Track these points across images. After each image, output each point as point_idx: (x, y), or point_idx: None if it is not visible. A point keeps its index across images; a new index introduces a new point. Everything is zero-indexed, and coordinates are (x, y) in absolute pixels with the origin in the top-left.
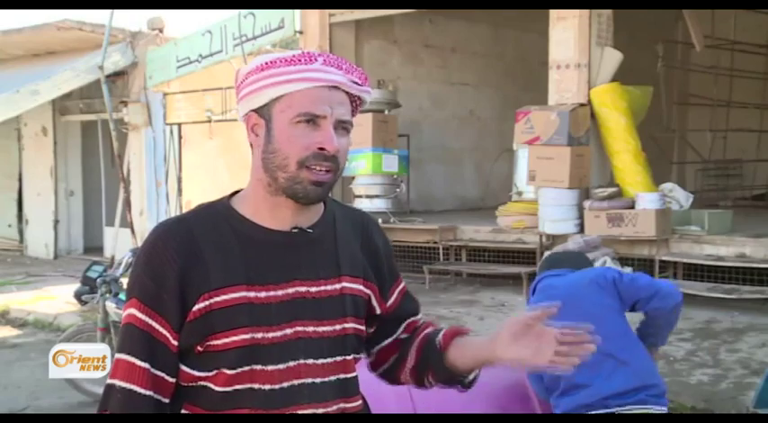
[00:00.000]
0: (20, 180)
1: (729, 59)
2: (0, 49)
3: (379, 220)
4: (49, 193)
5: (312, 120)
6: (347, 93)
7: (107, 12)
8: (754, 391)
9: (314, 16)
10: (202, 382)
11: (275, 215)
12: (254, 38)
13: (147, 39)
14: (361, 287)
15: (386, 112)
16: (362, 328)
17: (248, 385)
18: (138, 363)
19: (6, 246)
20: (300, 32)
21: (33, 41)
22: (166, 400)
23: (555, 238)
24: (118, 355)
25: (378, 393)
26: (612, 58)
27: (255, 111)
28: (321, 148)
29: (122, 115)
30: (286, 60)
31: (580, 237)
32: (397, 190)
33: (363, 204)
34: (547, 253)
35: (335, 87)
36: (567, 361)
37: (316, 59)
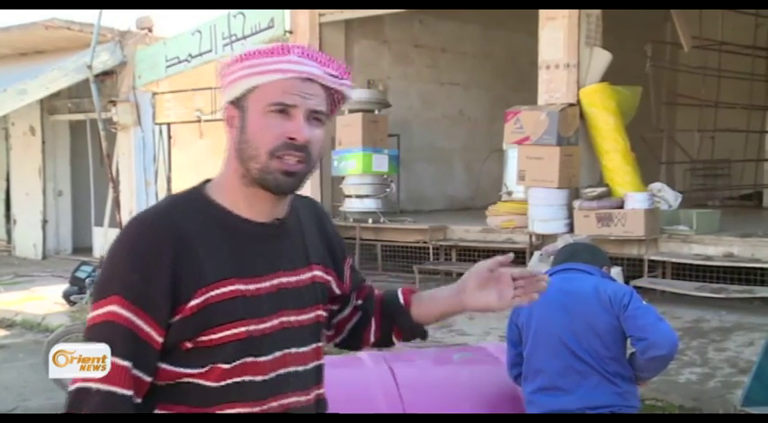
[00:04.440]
0: (7, 180)
1: (717, 60)
2: None
3: (369, 220)
4: (38, 193)
5: (283, 109)
6: (324, 86)
7: (96, 11)
8: (741, 390)
9: (304, 16)
10: (189, 379)
11: (253, 206)
12: (244, 37)
13: (136, 38)
14: (323, 273)
15: (376, 111)
16: (326, 314)
17: (241, 378)
18: (120, 362)
19: None
20: (290, 32)
21: (21, 40)
22: (140, 401)
23: (544, 238)
24: None
25: (368, 394)
26: (601, 59)
27: (232, 102)
28: (291, 138)
29: (111, 115)
30: (262, 52)
31: (570, 236)
32: (387, 190)
33: (353, 204)
34: (566, 241)
35: (310, 79)
36: (527, 297)
37: (291, 51)
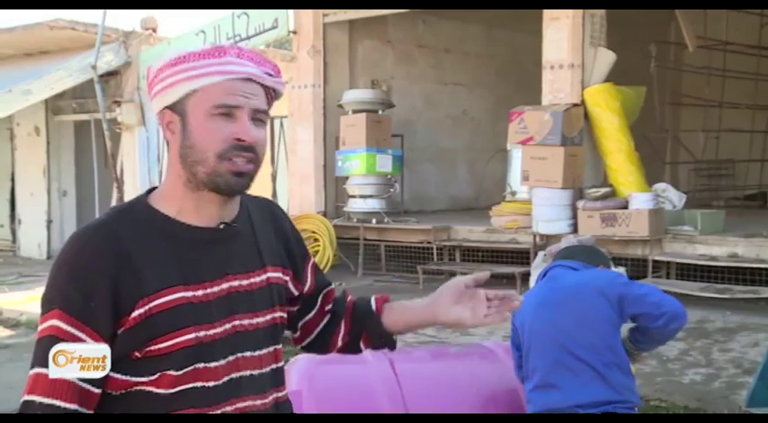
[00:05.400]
0: (12, 180)
1: (721, 60)
2: None
3: (373, 220)
4: (42, 193)
5: (228, 112)
6: (262, 85)
7: (100, 11)
8: (746, 391)
9: (307, 16)
10: (140, 387)
11: (200, 211)
12: (248, 38)
13: (140, 38)
14: (281, 275)
15: (379, 112)
16: (286, 315)
17: (192, 384)
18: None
19: None
20: (294, 32)
21: (26, 41)
22: (91, 413)
23: (548, 238)
24: (37, 370)
25: (369, 393)
26: (606, 59)
27: (169, 107)
28: (238, 139)
29: (115, 115)
30: (198, 55)
31: (573, 237)
32: (391, 190)
33: (357, 204)
34: (570, 241)
35: (249, 79)
36: (499, 316)
37: (227, 53)
